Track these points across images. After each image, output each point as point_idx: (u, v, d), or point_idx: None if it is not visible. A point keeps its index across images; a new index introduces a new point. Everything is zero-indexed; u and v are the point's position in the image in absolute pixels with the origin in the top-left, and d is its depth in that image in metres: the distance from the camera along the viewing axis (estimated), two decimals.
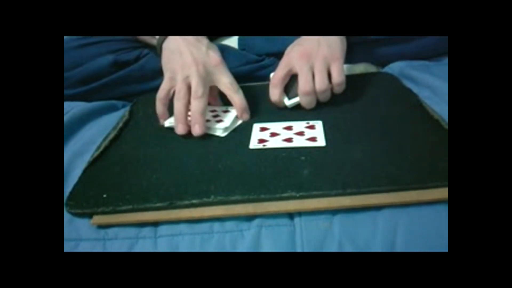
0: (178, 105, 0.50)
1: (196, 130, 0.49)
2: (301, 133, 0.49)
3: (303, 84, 0.52)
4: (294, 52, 0.55)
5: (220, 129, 0.51)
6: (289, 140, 0.48)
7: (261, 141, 0.48)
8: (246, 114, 0.54)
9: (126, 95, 0.64)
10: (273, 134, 0.50)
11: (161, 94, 0.52)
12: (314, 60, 0.53)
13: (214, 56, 0.53)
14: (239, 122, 0.54)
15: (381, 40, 0.64)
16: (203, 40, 0.55)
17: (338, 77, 0.53)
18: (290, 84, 0.55)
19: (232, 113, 0.54)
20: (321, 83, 0.52)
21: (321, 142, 0.47)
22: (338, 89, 0.55)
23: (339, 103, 0.55)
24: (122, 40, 0.65)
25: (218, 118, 0.53)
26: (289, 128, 0.51)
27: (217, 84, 0.53)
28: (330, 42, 0.54)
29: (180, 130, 0.50)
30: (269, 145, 0.47)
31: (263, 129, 0.51)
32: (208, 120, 0.53)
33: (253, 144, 0.48)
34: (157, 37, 0.56)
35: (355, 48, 0.64)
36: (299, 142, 0.47)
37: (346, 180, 0.40)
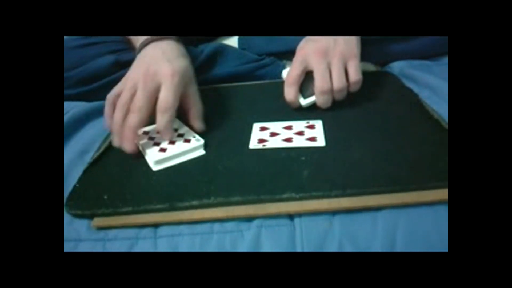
0: (117, 115, 0.45)
1: (125, 147, 0.45)
2: (301, 133, 0.49)
3: (320, 82, 0.51)
4: (309, 48, 0.53)
5: (149, 159, 0.46)
6: (289, 140, 0.48)
7: (261, 141, 0.48)
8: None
9: None
10: (273, 134, 0.49)
11: (110, 94, 0.48)
12: (331, 57, 0.51)
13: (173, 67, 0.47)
14: (182, 159, 0.46)
15: (381, 39, 0.64)
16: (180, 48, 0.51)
17: (355, 75, 0.52)
18: (305, 82, 0.53)
19: (180, 145, 0.47)
20: (339, 81, 0.51)
21: (321, 142, 0.47)
22: (354, 88, 0.53)
23: (339, 103, 0.54)
24: (123, 40, 0.65)
25: (155, 141, 0.48)
26: (289, 127, 0.51)
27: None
28: (346, 39, 0.53)
29: (115, 142, 0.46)
30: (268, 145, 0.47)
31: (263, 128, 0.51)
32: (151, 138, 0.49)
33: (253, 144, 0.48)
34: (140, 41, 0.54)
35: None
36: (299, 142, 0.47)
37: (346, 181, 0.40)
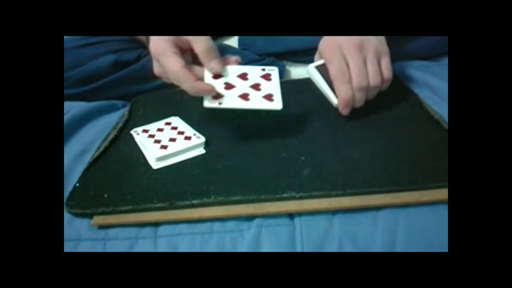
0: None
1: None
2: (256, 87, 0.47)
3: (358, 78, 0.48)
4: (343, 41, 0.50)
5: (149, 157, 0.47)
6: (245, 96, 0.46)
7: (216, 97, 0.46)
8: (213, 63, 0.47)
9: (126, 95, 0.64)
10: (228, 86, 0.47)
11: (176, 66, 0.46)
12: (366, 51, 0.49)
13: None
14: (183, 157, 0.47)
15: None
16: None
17: (388, 72, 0.50)
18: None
19: (181, 142, 0.48)
20: (375, 77, 0.49)
21: (277, 103, 0.45)
22: (385, 86, 0.51)
23: None
24: (123, 40, 0.65)
25: (156, 139, 0.49)
26: (243, 76, 0.48)
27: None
28: (376, 36, 0.51)
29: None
30: (225, 103, 0.46)
31: (216, 76, 0.48)
32: (151, 136, 0.49)
33: (208, 101, 0.46)
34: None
35: None
36: (256, 101, 0.46)
37: (346, 181, 0.40)
